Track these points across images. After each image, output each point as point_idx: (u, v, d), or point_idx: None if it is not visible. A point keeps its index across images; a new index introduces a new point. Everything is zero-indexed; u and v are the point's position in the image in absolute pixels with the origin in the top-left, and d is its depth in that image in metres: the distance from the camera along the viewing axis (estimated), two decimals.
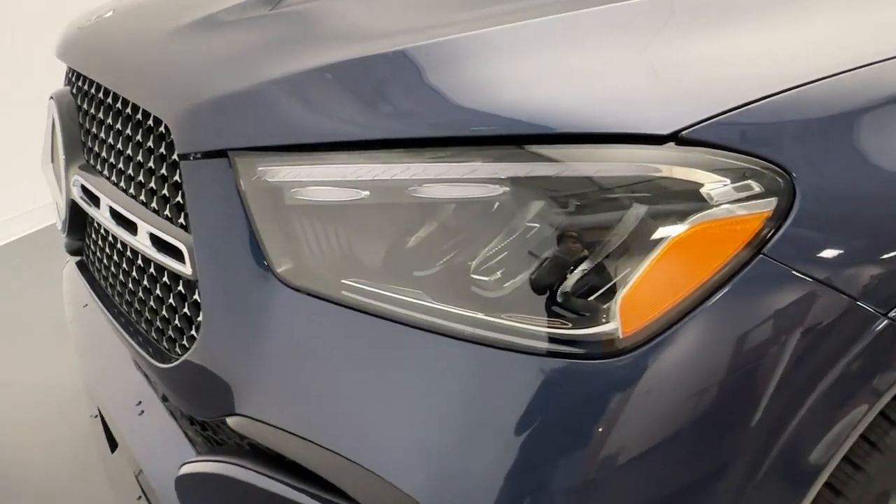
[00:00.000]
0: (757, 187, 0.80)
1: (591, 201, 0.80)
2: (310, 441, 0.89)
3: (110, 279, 1.30)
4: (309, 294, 0.90)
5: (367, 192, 0.86)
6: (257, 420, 0.93)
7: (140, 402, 1.25)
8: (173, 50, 1.10)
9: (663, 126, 0.79)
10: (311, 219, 0.90)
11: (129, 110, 1.14)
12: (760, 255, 0.79)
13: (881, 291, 0.83)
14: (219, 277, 0.94)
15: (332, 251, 0.90)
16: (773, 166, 0.80)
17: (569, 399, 0.80)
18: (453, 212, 0.84)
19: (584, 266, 0.80)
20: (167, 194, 1.04)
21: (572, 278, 0.80)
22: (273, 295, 0.91)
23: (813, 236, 0.81)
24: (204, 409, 1.01)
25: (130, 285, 1.20)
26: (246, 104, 0.92)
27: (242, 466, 0.98)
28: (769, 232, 0.79)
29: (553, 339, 0.80)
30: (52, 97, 1.38)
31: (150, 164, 1.07)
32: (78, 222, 1.39)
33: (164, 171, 1.04)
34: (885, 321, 0.84)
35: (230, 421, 0.96)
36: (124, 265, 1.22)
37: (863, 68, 0.84)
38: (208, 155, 0.93)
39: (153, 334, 1.13)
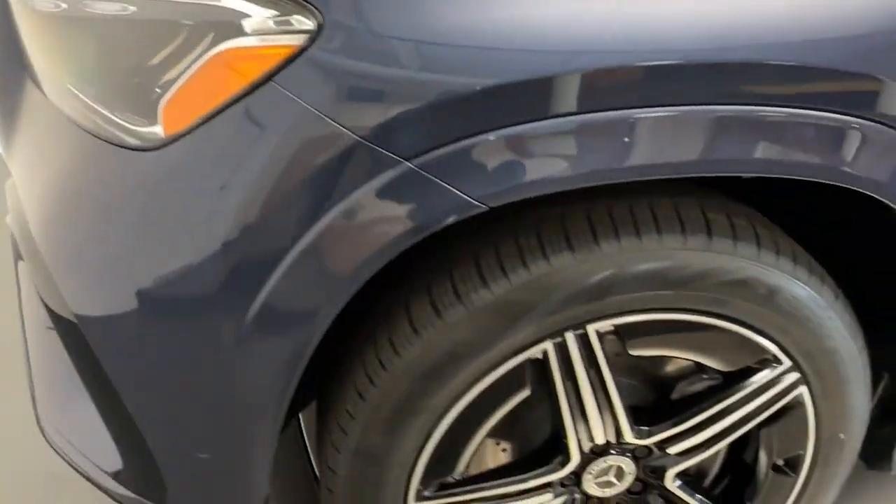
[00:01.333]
0: (292, 23, 0.89)
1: (152, 21, 0.95)
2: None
3: None
4: (51, 100, 1.14)
5: (65, 6, 1.07)
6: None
7: None
8: None
9: None
10: (51, 27, 1.12)
11: None
12: (272, 83, 0.89)
13: (403, 136, 0.89)
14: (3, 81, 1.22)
15: (62, 60, 1.12)
16: (308, 4, 0.88)
17: (134, 181, 0.99)
18: (103, 28, 1.03)
19: (146, 75, 0.96)
20: None
21: (140, 86, 0.97)
22: (34, 99, 1.16)
23: (335, 74, 0.89)
24: None
25: None
26: None
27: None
28: (287, 63, 0.89)
29: (130, 133, 0.98)
30: None
31: None
32: None
33: None
34: (404, 166, 0.90)
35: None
36: None
37: None
38: None
39: None
